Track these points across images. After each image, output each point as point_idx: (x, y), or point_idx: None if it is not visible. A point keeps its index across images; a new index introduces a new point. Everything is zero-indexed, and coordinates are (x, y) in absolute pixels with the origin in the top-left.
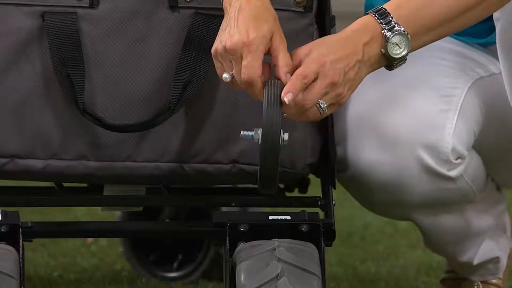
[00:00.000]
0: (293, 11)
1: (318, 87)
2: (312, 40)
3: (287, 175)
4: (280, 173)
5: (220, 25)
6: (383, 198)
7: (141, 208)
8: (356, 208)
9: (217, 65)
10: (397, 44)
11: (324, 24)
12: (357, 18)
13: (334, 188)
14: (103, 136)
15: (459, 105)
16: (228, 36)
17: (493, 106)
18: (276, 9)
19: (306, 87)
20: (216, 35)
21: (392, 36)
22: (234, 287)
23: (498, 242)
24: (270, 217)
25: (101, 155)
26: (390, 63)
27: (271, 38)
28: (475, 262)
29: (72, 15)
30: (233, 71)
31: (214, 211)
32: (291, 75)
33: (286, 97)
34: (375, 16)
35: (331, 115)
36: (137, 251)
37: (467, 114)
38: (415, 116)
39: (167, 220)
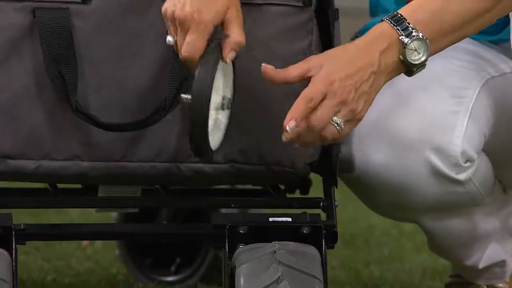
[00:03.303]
0: (291, 5)
1: (327, 107)
2: (312, 36)
3: (287, 175)
4: (280, 173)
5: None
6: (390, 200)
7: (137, 209)
8: (360, 209)
9: (166, 23)
10: (415, 50)
11: (324, 19)
12: (361, 14)
13: (336, 187)
14: (97, 135)
15: (470, 107)
16: (181, 3)
17: (504, 106)
18: (274, 4)
19: (314, 107)
20: None
21: (410, 42)
22: None
23: (504, 245)
24: (271, 219)
25: (94, 155)
26: (410, 69)
27: (226, 11)
28: (481, 265)
29: (64, 11)
30: (177, 38)
31: (213, 213)
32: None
33: (288, 125)
34: (391, 22)
35: None
36: (133, 254)
37: (478, 116)
38: (425, 117)
39: (165, 222)
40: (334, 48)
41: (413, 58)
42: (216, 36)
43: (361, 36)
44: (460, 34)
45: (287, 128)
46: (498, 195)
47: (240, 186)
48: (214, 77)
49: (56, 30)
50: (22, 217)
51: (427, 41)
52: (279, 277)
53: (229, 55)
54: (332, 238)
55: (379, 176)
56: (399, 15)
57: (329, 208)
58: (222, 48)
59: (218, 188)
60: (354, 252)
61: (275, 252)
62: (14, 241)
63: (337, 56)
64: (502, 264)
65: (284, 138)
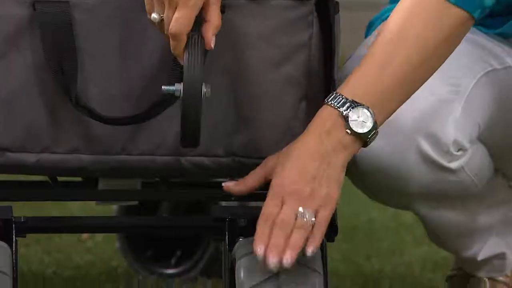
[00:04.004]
0: None
1: (285, 212)
2: (312, 29)
3: None
4: None
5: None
6: (384, 186)
7: (137, 202)
8: (361, 203)
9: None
10: (359, 120)
11: (325, 13)
12: (361, 7)
13: None
14: (97, 129)
15: (465, 96)
16: None
17: (505, 99)
18: None
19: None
20: None
21: (350, 114)
22: (233, 284)
23: (505, 238)
24: None
25: (94, 148)
26: (363, 141)
27: None
28: (480, 257)
29: (64, 4)
30: (163, 15)
31: (213, 206)
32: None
33: (258, 253)
34: (329, 102)
35: None
36: (133, 247)
37: (473, 105)
38: (419, 104)
39: (165, 215)
40: (289, 145)
41: (358, 129)
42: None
43: (372, 27)
44: (409, 89)
45: (259, 256)
46: (501, 189)
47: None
48: (203, 64)
49: (56, 23)
50: (23, 210)
51: (369, 109)
52: (279, 270)
53: (212, 39)
54: (332, 231)
55: (373, 162)
56: (336, 93)
57: None
58: (204, 33)
59: (219, 181)
60: (355, 245)
61: None
62: (14, 234)
63: (287, 155)
64: (502, 256)
65: (271, 264)
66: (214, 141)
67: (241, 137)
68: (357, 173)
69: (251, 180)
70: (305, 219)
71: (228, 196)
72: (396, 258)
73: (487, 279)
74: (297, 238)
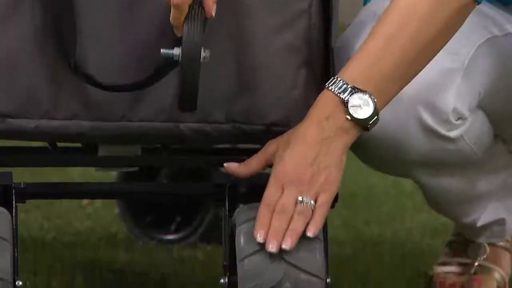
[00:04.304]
0: None
1: (286, 196)
2: (310, 23)
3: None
4: (281, 133)
5: None
6: (384, 154)
7: (137, 168)
8: (360, 169)
9: None
10: (359, 106)
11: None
12: None
13: None
14: (97, 95)
15: (465, 64)
16: None
17: (506, 65)
18: None
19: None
20: None
21: (350, 99)
22: (233, 250)
23: (504, 204)
24: None
25: (94, 114)
26: (364, 126)
27: None
28: (479, 223)
29: None
30: None
31: (213, 172)
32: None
33: (259, 235)
34: (330, 87)
35: (333, 68)
36: (133, 213)
37: (473, 74)
38: (419, 74)
39: (165, 181)
40: (290, 131)
41: (358, 115)
42: None
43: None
44: (406, 76)
45: (259, 241)
46: (501, 155)
47: (241, 145)
48: (203, 32)
49: None
50: (23, 176)
51: (370, 94)
52: None
53: (213, 7)
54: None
55: (373, 131)
56: (336, 78)
57: None
58: (205, 1)
59: (219, 147)
60: (354, 211)
61: None
62: (14, 200)
63: (288, 141)
64: (501, 222)
65: (271, 249)
66: (214, 107)
67: (241, 103)
68: (357, 142)
69: (253, 163)
70: (304, 205)
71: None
72: (396, 224)
73: (487, 245)
74: (297, 224)
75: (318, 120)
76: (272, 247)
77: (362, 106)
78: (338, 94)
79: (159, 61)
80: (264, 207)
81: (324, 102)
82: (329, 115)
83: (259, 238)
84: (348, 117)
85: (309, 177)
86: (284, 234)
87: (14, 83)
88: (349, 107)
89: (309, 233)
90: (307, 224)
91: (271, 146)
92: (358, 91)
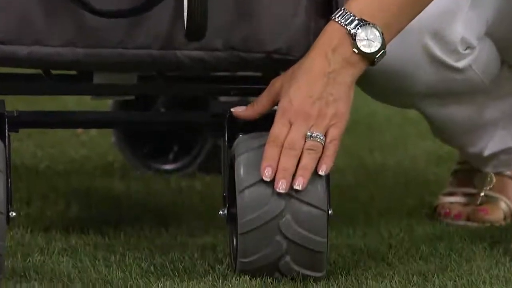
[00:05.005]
0: None
1: (294, 131)
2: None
3: (288, 62)
4: (280, 61)
5: None
6: (390, 86)
7: (133, 97)
8: (362, 95)
9: None
10: (366, 39)
11: None
12: None
13: None
14: (92, 21)
15: None
16: None
17: None
18: None
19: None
20: None
21: (359, 33)
22: (233, 181)
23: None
24: None
25: (89, 41)
26: (370, 60)
27: None
28: (486, 153)
29: None
30: None
31: (211, 101)
32: None
33: (266, 176)
34: (337, 19)
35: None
36: (130, 142)
37: (480, 1)
38: None
39: (162, 110)
40: (295, 64)
41: (366, 49)
42: None
43: None
44: (414, 11)
45: (266, 178)
46: (506, 81)
47: (240, 73)
48: None
49: None
50: (16, 103)
51: (377, 27)
52: None
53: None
54: None
55: (380, 62)
56: (344, 10)
57: None
58: None
59: (217, 75)
60: (356, 139)
61: None
62: (7, 129)
63: (293, 76)
64: (508, 151)
65: (280, 189)
66: (213, 35)
67: (241, 31)
68: (364, 76)
69: (260, 104)
70: (314, 140)
71: (228, 90)
72: (399, 151)
73: (493, 174)
74: (308, 160)
75: (324, 53)
76: (281, 187)
77: (369, 40)
78: (346, 26)
79: None
80: (271, 143)
81: (331, 33)
82: (335, 47)
83: (267, 175)
84: (355, 50)
85: (317, 111)
86: (294, 173)
87: (6, 8)
88: (356, 40)
89: (321, 171)
90: (318, 160)
91: (276, 84)
92: (365, 24)
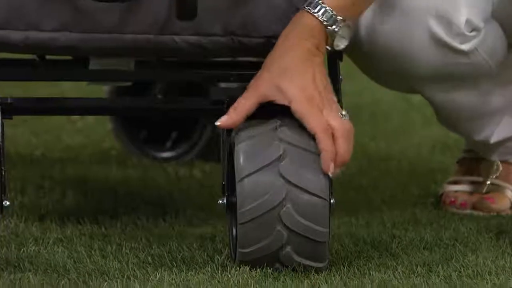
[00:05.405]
0: None
1: (335, 118)
2: None
3: None
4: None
5: None
6: (394, 70)
7: (130, 83)
8: (365, 81)
9: None
10: (342, 37)
11: None
12: None
13: (341, 61)
14: (88, 5)
15: None
16: None
17: None
18: None
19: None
20: None
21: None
22: (232, 169)
23: None
24: None
25: (85, 26)
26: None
27: None
28: (492, 140)
29: None
30: None
31: (211, 87)
32: None
33: (331, 172)
34: (310, 10)
35: None
36: (127, 129)
37: None
38: None
39: (159, 96)
40: (273, 61)
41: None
42: None
43: None
44: None
45: (331, 174)
46: None
47: (240, 59)
48: None
49: None
50: (9, 90)
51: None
52: (280, 155)
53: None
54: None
55: (382, 44)
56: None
57: (334, 81)
58: None
59: (217, 61)
60: (360, 126)
61: (276, 129)
62: (0, 116)
63: (285, 68)
64: None
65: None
66: (211, 20)
67: (240, 16)
68: (364, 56)
69: (243, 108)
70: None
71: (227, 76)
72: (404, 139)
73: (499, 162)
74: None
75: (304, 44)
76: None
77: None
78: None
79: None
80: (323, 133)
81: (310, 28)
82: (317, 43)
83: (332, 170)
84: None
85: (318, 96)
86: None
87: None
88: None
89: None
90: None
91: (262, 84)
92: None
